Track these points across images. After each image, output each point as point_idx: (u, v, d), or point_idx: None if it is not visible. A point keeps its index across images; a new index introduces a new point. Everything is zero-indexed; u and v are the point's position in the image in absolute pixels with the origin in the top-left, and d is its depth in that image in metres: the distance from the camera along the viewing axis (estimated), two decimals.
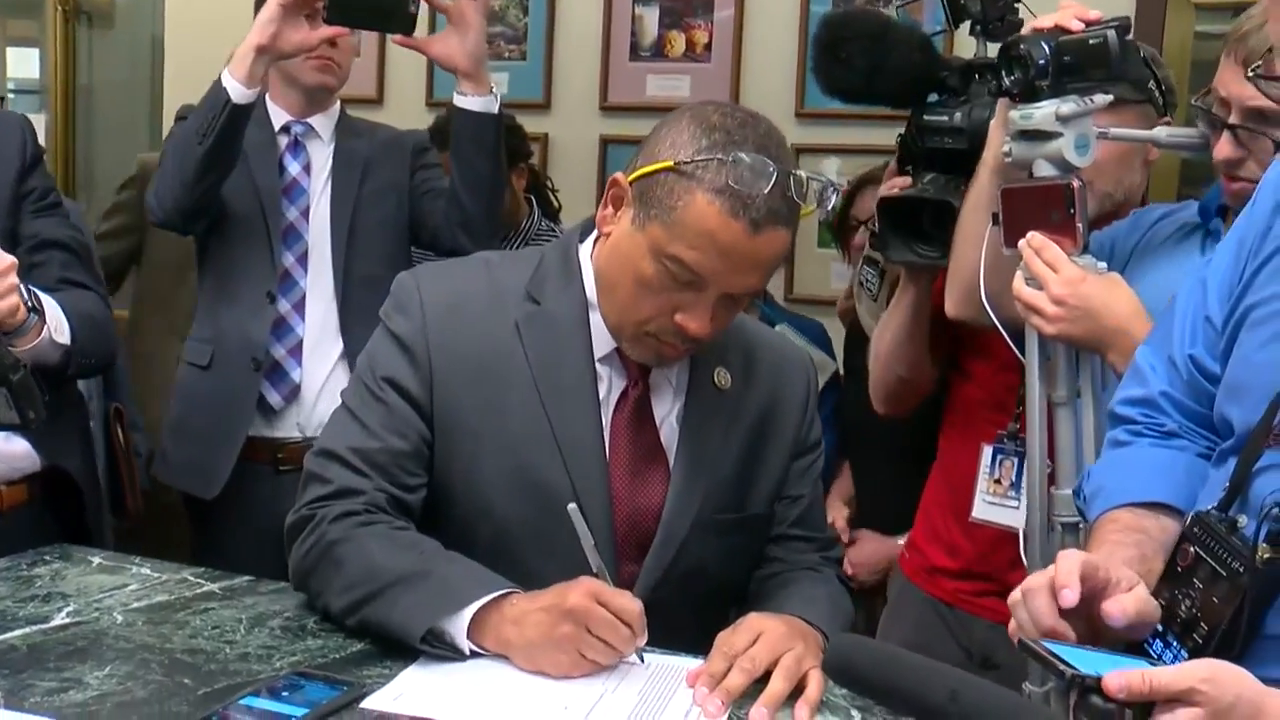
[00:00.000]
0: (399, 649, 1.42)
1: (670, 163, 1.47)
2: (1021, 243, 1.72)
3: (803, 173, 1.47)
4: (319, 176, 2.56)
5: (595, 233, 1.61)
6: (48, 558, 1.73)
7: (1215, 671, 1.08)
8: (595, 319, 1.59)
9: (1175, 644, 1.22)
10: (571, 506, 1.44)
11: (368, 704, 1.30)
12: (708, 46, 3.78)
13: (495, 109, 2.44)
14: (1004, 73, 1.77)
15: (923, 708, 1.11)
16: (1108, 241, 1.89)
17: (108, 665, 1.36)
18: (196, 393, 2.55)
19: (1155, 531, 1.33)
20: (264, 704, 1.26)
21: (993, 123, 1.86)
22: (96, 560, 1.73)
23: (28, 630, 1.45)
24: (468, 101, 2.43)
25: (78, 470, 2.01)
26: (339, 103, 2.65)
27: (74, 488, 2.01)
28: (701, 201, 1.44)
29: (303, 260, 2.52)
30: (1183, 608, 1.23)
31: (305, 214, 2.53)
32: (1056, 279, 1.67)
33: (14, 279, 1.73)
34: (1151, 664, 1.14)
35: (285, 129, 2.56)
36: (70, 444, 2.03)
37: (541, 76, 3.95)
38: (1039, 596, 1.19)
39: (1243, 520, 1.21)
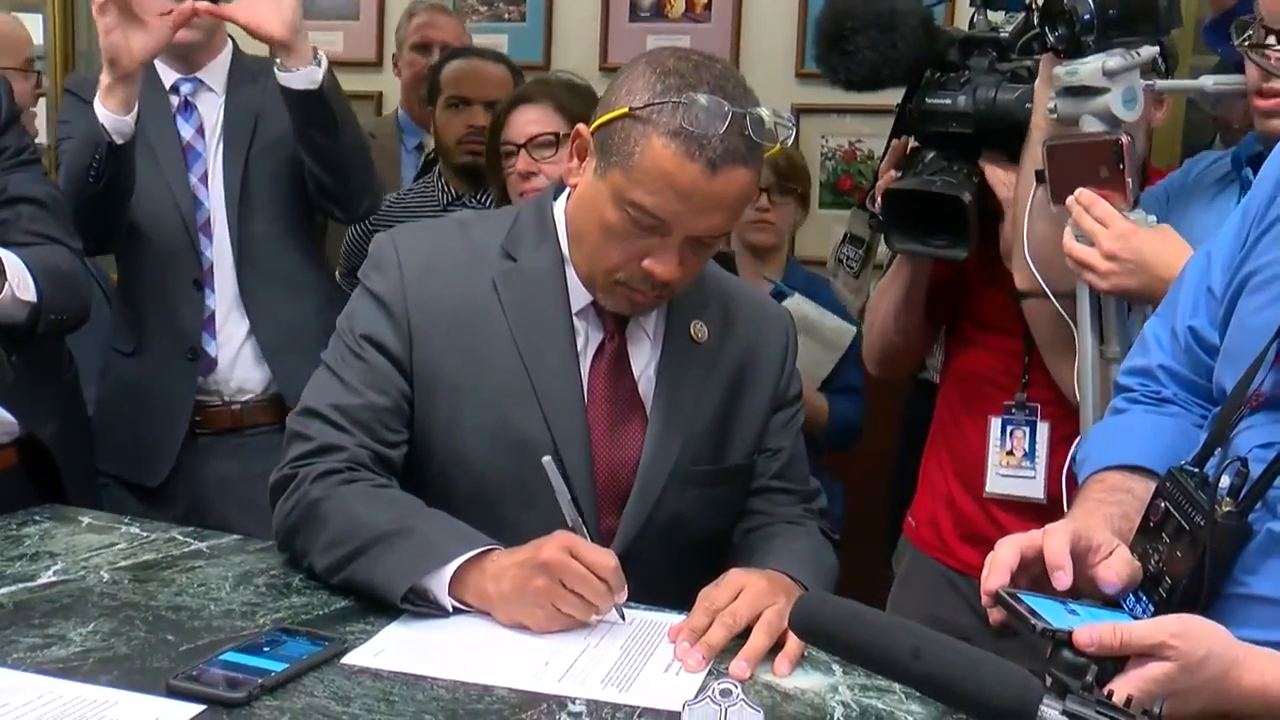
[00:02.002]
0: (382, 606, 1.43)
1: (626, 109, 1.46)
2: (1070, 199, 1.70)
3: (763, 111, 1.46)
4: (213, 135, 2.43)
5: (568, 189, 1.61)
6: (37, 517, 1.73)
7: (1186, 626, 1.08)
8: (571, 273, 1.59)
9: (1145, 599, 1.22)
10: (547, 459, 1.44)
11: (349, 660, 1.30)
12: (707, 6, 3.75)
13: (319, 80, 2.24)
14: (1047, 29, 1.74)
15: (887, 664, 1.11)
16: (1163, 194, 1.86)
17: (92, 622, 1.36)
18: (124, 378, 2.46)
19: (1140, 492, 1.33)
20: (245, 659, 1.26)
21: (1037, 82, 1.83)
22: (86, 520, 1.74)
23: (14, 588, 1.46)
24: (289, 79, 2.24)
25: (52, 437, 1.98)
26: (230, 46, 2.49)
27: (50, 455, 1.99)
28: (658, 145, 1.44)
29: (206, 228, 2.41)
30: (1151, 562, 1.24)
31: (204, 179, 2.41)
32: (1108, 234, 1.66)
33: None
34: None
35: (175, 88, 2.43)
36: (46, 410, 2.00)
37: (541, 38, 3.93)
38: (1004, 547, 1.20)
39: (1225, 481, 1.21)
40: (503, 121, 2.48)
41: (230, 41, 2.50)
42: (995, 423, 2.09)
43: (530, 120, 2.44)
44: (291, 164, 2.43)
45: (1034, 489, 2.05)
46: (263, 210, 2.44)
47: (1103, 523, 1.29)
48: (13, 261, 1.83)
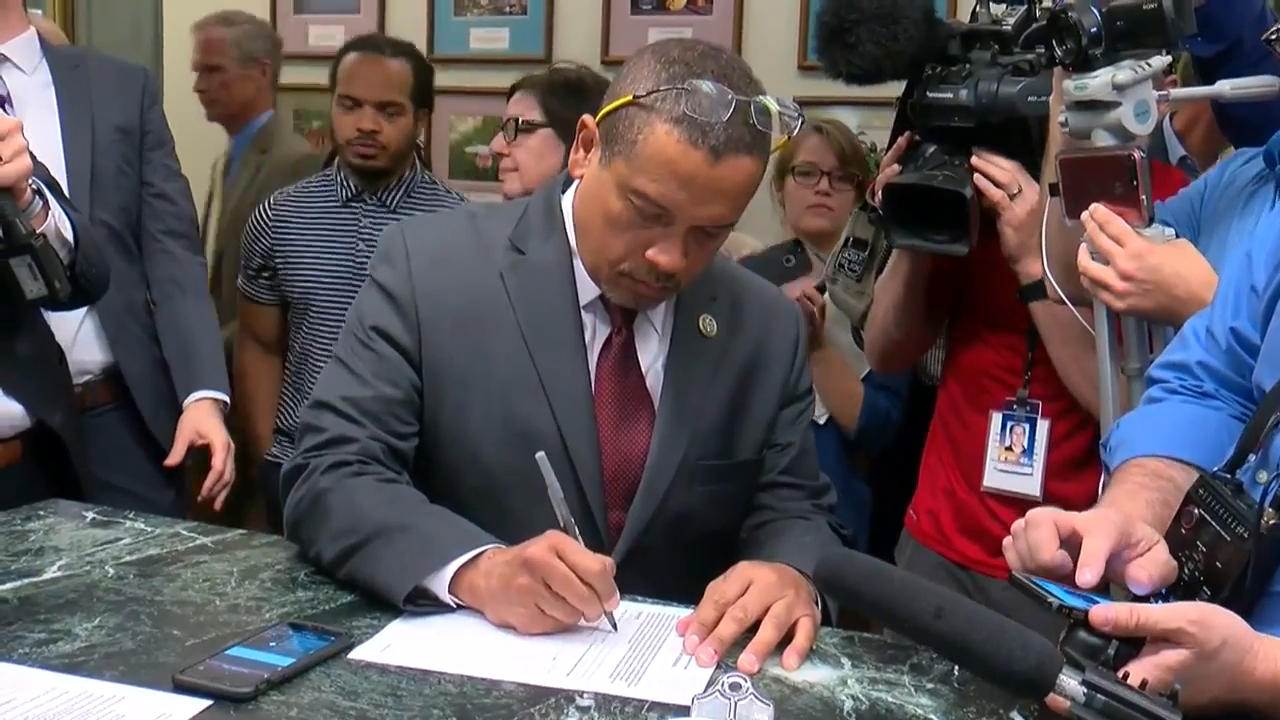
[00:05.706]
0: (388, 601, 1.42)
1: (630, 97, 1.46)
2: (1085, 216, 1.68)
3: (768, 100, 1.45)
4: (22, 111, 2.28)
5: (576, 182, 1.60)
6: (41, 513, 1.73)
7: (1205, 614, 1.07)
8: (579, 266, 1.59)
9: None
10: (540, 455, 1.41)
11: (355, 654, 1.30)
12: None
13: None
14: (1055, 43, 1.71)
15: (909, 622, 1.10)
16: (1196, 196, 1.83)
17: (97, 617, 1.36)
18: None
19: (1181, 481, 1.32)
20: (251, 653, 1.25)
21: (1051, 96, 1.81)
22: (90, 515, 1.73)
23: (19, 583, 1.45)
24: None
25: (61, 425, 2.00)
26: (33, 30, 2.36)
27: (60, 442, 2.00)
28: (661, 131, 1.43)
29: None
30: (1186, 570, 1.22)
31: None
32: (1124, 253, 1.63)
33: (21, 140, 1.67)
34: None
35: None
36: (53, 399, 2.02)
37: (542, 31, 3.92)
38: (1040, 529, 1.19)
39: (1263, 476, 1.20)
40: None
41: (32, 27, 2.40)
42: (996, 418, 2.10)
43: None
44: (130, 165, 2.42)
45: (1030, 485, 2.06)
46: (106, 203, 2.38)
47: (1144, 508, 1.27)
48: (51, 200, 1.81)
